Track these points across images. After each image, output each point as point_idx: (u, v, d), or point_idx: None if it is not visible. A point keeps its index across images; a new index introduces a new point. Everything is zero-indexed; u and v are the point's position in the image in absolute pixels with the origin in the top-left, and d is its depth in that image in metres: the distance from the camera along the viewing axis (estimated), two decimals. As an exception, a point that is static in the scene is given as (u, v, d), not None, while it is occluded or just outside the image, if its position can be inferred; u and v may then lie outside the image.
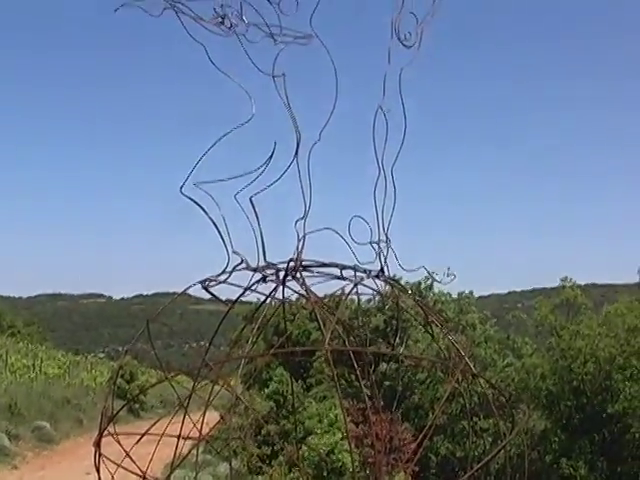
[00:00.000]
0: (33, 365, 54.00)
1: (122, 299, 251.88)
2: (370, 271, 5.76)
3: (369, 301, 48.08)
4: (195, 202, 5.44)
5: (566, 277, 51.13)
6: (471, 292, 55.51)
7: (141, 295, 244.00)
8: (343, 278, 5.65)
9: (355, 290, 5.73)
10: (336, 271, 5.74)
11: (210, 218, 5.47)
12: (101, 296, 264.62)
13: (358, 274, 5.69)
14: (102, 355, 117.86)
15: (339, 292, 6.18)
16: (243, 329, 6.22)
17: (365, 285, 5.66)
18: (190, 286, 5.69)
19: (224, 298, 6.44)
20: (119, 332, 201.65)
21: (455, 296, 54.18)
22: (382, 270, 5.72)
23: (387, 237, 5.70)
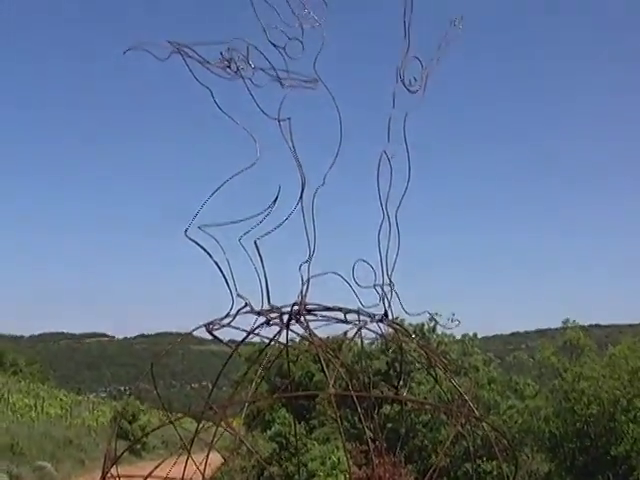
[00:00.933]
0: (35, 405, 53.83)
1: (125, 339, 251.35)
2: (374, 315, 5.77)
3: (372, 343, 47.92)
4: (200, 245, 5.48)
5: (567, 319, 51.04)
6: (475, 334, 55.37)
7: (144, 335, 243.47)
8: (347, 322, 5.67)
9: (359, 333, 5.75)
10: (340, 315, 5.76)
11: (214, 261, 5.51)
12: (104, 335, 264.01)
13: (362, 318, 5.70)
14: (104, 394, 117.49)
15: (342, 334, 6.20)
16: (247, 372, 6.22)
17: (369, 329, 5.67)
18: (194, 329, 5.70)
19: (228, 338, 6.46)
20: (121, 372, 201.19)
21: (459, 337, 54.04)
22: (386, 314, 5.73)
23: (391, 281, 5.72)
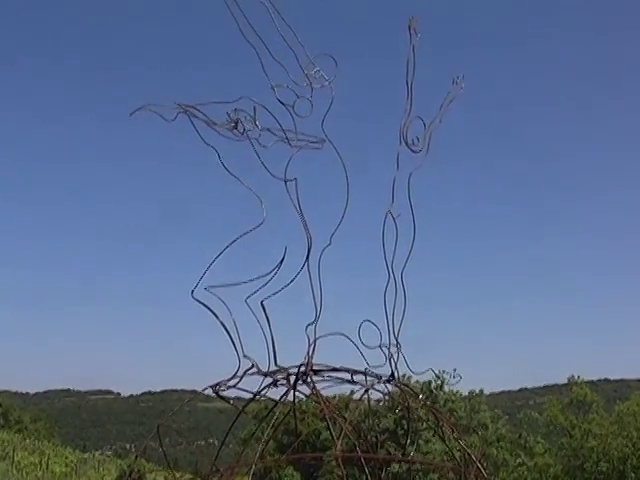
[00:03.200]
0: (40, 462, 53.48)
1: (130, 396, 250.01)
2: (381, 376, 5.76)
3: (379, 401, 47.78)
4: (206, 306, 5.48)
5: (573, 376, 50.93)
6: (481, 391, 55.17)
7: (149, 392, 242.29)
8: (354, 382, 5.66)
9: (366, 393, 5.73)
10: (347, 375, 5.74)
11: (221, 322, 5.51)
12: (109, 393, 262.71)
13: (369, 379, 5.69)
14: (109, 452, 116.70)
15: (349, 392, 6.20)
16: (254, 433, 6.18)
17: (376, 389, 5.66)
18: (201, 391, 5.70)
19: (235, 395, 6.44)
20: (127, 429, 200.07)
21: (466, 394, 53.82)
22: (393, 375, 5.72)
23: (397, 341, 5.71)
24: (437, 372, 29.53)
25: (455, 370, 27.69)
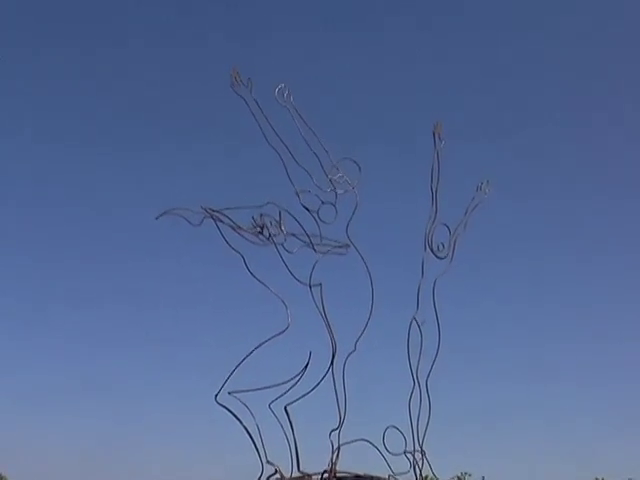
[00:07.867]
0: None
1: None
2: (405, 484, 5.73)
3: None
4: (230, 411, 5.48)
5: (597, 478, 50.24)
6: (505, 496, 54.31)
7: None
8: (378, 491, 5.62)
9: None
10: (371, 483, 5.71)
11: (244, 427, 5.49)
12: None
13: (394, 488, 5.65)
14: None
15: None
16: None
17: (401, 497, 5.62)
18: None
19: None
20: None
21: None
22: (418, 484, 5.68)
23: (422, 449, 5.67)
24: (460, 474, 29.24)
25: (483, 478, 27.35)
